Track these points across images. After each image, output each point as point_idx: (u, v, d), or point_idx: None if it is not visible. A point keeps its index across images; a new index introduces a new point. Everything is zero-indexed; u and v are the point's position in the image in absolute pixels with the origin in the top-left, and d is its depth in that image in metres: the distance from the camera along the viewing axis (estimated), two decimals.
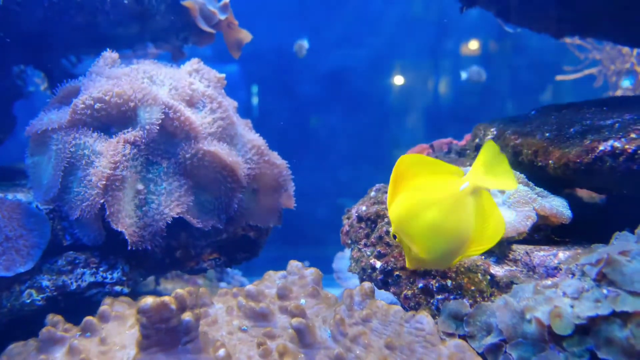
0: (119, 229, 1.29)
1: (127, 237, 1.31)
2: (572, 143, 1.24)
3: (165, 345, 0.90)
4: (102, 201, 1.27)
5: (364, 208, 1.47)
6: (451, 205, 0.95)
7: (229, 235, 1.61)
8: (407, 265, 1.04)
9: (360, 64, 4.52)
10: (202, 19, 2.00)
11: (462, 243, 0.97)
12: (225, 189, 1.48)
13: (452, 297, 1.13)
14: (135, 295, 1.38)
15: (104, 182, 1.27)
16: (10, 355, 1.13)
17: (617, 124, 1.22)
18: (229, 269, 2.71)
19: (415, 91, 4.59)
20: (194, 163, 1.42)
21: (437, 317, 1.11)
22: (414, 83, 4.57)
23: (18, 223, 1.31)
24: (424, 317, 1.04)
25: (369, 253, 1.36)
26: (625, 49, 3.29)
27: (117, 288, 1.39)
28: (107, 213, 1.28)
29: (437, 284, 1.15)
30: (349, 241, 1.51)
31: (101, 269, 1.38)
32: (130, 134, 1.35)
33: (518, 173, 1.34)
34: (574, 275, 1.00)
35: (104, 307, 1.18)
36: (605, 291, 0.88)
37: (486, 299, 1.10)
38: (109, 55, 1.56)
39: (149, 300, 0.86)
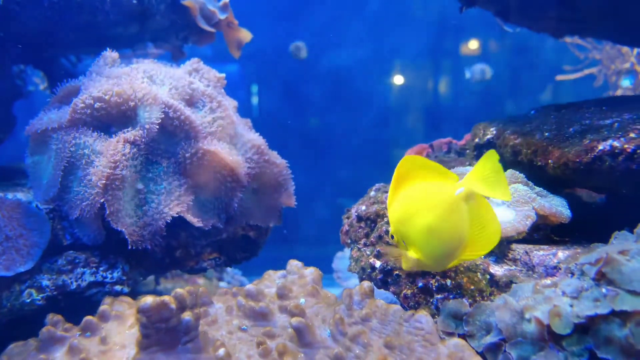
0: (119, 228, 1.30)
1: (127, 237, 1.31)
2: (571, 143, 1.24)
3: (165, 345, 0.90)
4: (102, 200, 1.27)
5: (363, 208, 1.47)
6: (447, 209, 0.97)
7: (229, 235, 1.61)
8: (403, 266, 1.05)
9: (360, 63, 4.52)
10: (202, 18, 2.00)
11: (457, 247, 0.98)
12: (225, 188, 1.48)
13: (451, 296, 1.13)
14: (135, 294, 1.38)
15: (104, 182, 1.27)
16: (11, 355, 1.13)
17: (616, 124, 1.22)
18: (228, 269, 2.71)
19: (415, 91, 4.59)
20: (194, 162, 1.42)
21: (436, 316, 1.11)
22: (414, 83, 4.57)
23: (18, 222, 1.31)
24: (423, 316, 1.04)
25: (368, 252, 1.36)
26: (625, 49, 3.29)
27: (117, 287, 1.39)
28: (107, 212, 1.28)
29: (436, 283, 1.15)
30: (349, 241, 1.51)
31: (101, 268, 1.38)
32: (130, 134, 1.35)
33: (517, 173, 1.34)
34: (573, 274, 1.01)
35: (104, 307, 1.18)
36: (604, 290, 0.88)
37: (485, 298, 1.10)
38: (109, 54, 1.57)
39: (148, 300, 0.87)
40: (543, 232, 1.26)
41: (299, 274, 1.23)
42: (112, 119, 1.40)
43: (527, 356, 0.91)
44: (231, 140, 1.53)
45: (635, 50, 3.26)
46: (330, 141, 4.58)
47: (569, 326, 0.87)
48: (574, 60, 3.53)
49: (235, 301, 1.14)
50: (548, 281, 1.02)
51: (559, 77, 3.53)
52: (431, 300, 1.15)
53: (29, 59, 2.09)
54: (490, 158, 0.95)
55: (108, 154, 1.30)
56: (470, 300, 1.10)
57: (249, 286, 1.16)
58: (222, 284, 2.61)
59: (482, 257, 1.16)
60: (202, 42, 2.17)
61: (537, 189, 1.29)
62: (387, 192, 1.57)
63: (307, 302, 1.14)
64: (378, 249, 1.33)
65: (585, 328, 0.87)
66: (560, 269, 1.09)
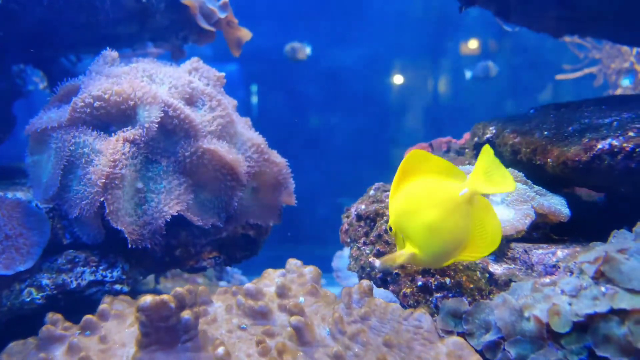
0: (119, 228, 1.30)
1: (126, 236, 1.31)
2: (570, 141, 1.24)
3: (164, 344, 0.90)
4: (101, 199, 1.28)
5: (363, 207, 1.48)
6: (449, 209, 0.96)
7: (229, 234, 1.61)
8: (399, 260, 1.04)
9: (360, 63, 4.52)
10: (202, 17, 2.00)
11: (456, 247, 0.98)
12: (225, 187, 1.48)
13: (450, 295, 1.13)
14: (135, 294, 1.38)
15: (104, 180, 1.27)
16: (10, 354, 1.13)
17: (615, 123, 1.23)
18: (228, 268, 2.71)
19: (415, 90, 4.59)
20: (194, 161, 1.42)
21: (435, 315, 1.11)
22: (414, 82, 4.57)
23: (18, 222, 1.31)
24: (422, 315, 1.04)
25: (368, 251, 1.36)
26: (625, 48, 3.29)
27: (117, 287, 1.39)
28: (107, 211, 1.28)
29: (435, 282, 1.15)
30: (348, 240, 1.51)
31: (101, 267, 1.38)
32: (130, 133, 1.35)
33: (516, 171, 1.34)
34: (572, 273, 1.01)
35: (103, 306, 1.18)
36: (603, 289, 0.88)
37: (485, 296, 1.11)
38: (109, 54, 1.57)
39: (148, 299, 0.87)
40: (542, 230, 1.26)
41: (298, 273, 1.23)
42: (111, 117, 1.40)
43: (526, 354, 0.91)
44: (231, 139, 1.53)
45: (635, 50, 3.26)
46: (329, 140, 4.58)
47: (568, 324, 0.87)
48: (574, 59, 3.53)
49: (235, 300, 1.14)
50: (547, 280, 1.02)
51: (559, 77, 3.53)
52: (430, 298, 1.15)
53: (29, 59, 2.09)
54: (487, 154, 0.95)
55: (107, 152, 1.30)
56: (469, 299, 1.10)
57: (249, 285, 1.16)
58: (221, 283, 2.61)
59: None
60: (202, 41, 2.17)
61: (536, 187, 1.29)
62: (386, 191, 1.57)
63: (306, 300, 1.14)
64: (377, 247, 1.33)
65: (584, 326, 0.87)
66: (559, 267, 1.09)
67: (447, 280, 1.14)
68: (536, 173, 1.33)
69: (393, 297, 1.26)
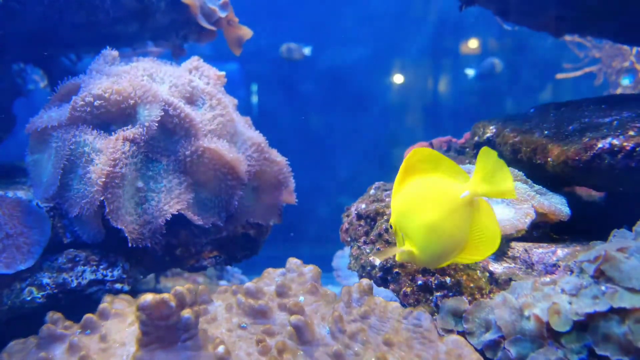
0: (119, 227, 1.30)
1: (126, 235, 1.31)
2: (570, 141, 1.24)
3: (164, 342, 0.91)
4: (101, 198, 1.27)
5: (363, 206, 1.48)
6: (449, 210, 0.96)
7: (229, 233, 1.61)
8: (397, 258, 1.04)
9: (360, 62, 4.52)
10: (202, 16, 1.99)
11: (454, 248, 0.98)
12: (225, 186, 1.48)
13: (451, 294, 1.13)
14: (135, 293, 1.38)
15: (104, 180, 1.27)
16: (11, 353, 1.13)
17: (615, 122, 1.23)
18: (229, 267, 2.71)
19: (415, 90, 4.59)
20: (194, 160, 1.42)
21: (436, 314, 1.11)
22: (414, 81, 4.57)
23: (18, 221, 1.31)
24: (422, 314, 1.04)
25: (368, 250, 1.37)
26: (625, 47, 3.29)
27: (118, 286, 1.39)
28: (107, 210, 1.28)
29: (436, 281, 1.15)
30: (349, 239, 1.51)
31: (101, 266, 1.38)
32: (130, 131, 1.35)
33: (517, 171, 1.34)
34: (572, 272, 1.01)
35: (103, 305, 1.18)
36: (603, 288, 0.88)
37: (485, 295, 1.11)
38: (109, 53, 1.57)
39: (148, 298, 0.87)
40: (542, 230, 1.26)
41: (298, 272, 1.23)
42: (112, 116, 1.40)
43: (526, 353, 0.91)
44: (231, 138, 1.53)
45: (635, 49, 3.26)
46: (330, 140, 4.58)
47: (568, 323, 0.87)
48: (574, 58, 3.53)
49: (235, 299, 1.15)
50: (547, 279, 1.02)
51: (559, 76, 3.53)
52: (431, 298, 1.15)
53: (29, 58, 2.09)
54: (487, 155, 0.94)
55: (108, 151, 1.30)
56: (469, 298, 1.10)
57: (249, 284, 1.16)
58: (222, 282, 2.61)
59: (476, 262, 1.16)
60: (203, 40, 2.17)
61: (537, 187, 1.29)
62: (387, 190, 1.57)
63: (306, 300, 1.14)
64: (378, 247, 1.34)
65: (584, 325, 0.87)
66: (559, 266, 1.09)
67: (447, 279, 1.15)
68: (536, 172, 1.33)
69: (393, 296, 1.26)
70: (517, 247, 1.18)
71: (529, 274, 1.13)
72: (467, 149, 1.91)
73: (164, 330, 0.89)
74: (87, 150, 1.33)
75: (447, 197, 0.97)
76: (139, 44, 2.21)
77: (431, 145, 2.18)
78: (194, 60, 1.65)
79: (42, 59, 2.11)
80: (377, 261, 1.30)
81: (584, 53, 3.44)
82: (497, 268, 1.15)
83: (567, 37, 3.32)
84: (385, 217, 1.39)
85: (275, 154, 1.64)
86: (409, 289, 1.19)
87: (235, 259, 1.69)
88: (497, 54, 4.33)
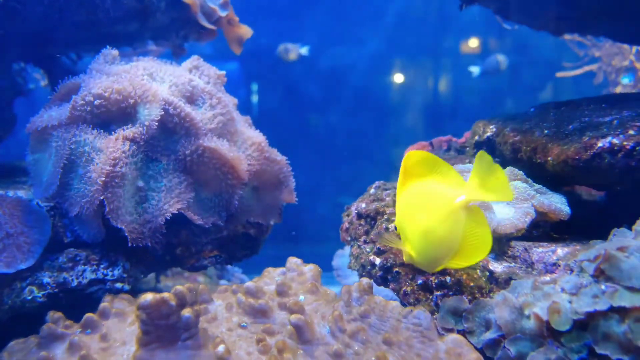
0: (119, 226, 1.30)
1: (127, 234, 1.31)
2: (570, 140, 1.24)
3: (165, 342, 0.91)
4: (101, 198, 1.28)
5: (363, 205, 1.48)
6: (444, 215, 0.97)
7: (230, 233, 1.61)
8: (404, 258, 1.07)
9: (360, 61, 4.52)
10: (202, 15, 1.99)
11: (448, 252, 0.99)
12: (225, 185, 1.48)
13: (451, 293, 1.13)
14: (135, 292, 1.38)
15: (104, 179, 1.27)
16: (12, 352, 1.13)
17: (615, 121, 1.23)
18: (229, 267, 2.71)
19: (415, 89, 4.59)
20: (194, 159, 1.42)
21: (436, 313, 1.11)
22: (414, 81, 4.57)
23: (19, 220, 1.31)
24: (422, 313, 1.04)
25: (368, 250, 1.37)
26: (625, 46, 3.29)
27: (118, 285, 1.39)
28: (107, 210, 1.28)
29: (436, 280, 1.15)
30: (349, 238, 1.51)
31: (102, 266, 1.38)
32: (130, 131, 1.35)
33: (517, 170, 1.34)
34: (572, 271, 1.01)
35: (104, 304, 1.19)
36: (603, 287, 0.88)
37: (485, 295, 1.11)
38: (109, 52, 1.57)
39: (148, 297, 0.87)
40: (542, 229, 1.26)
41: (298, 271, 1.23)
42: (112, 116, 1.40)
43: (526, 352, 0.91)
44: (231, 137, 1.53)
45: (635, 48, 3.26)
46: (330, 139, 4.58)
47: (568, 322, 0.87)
48: (574, 57, 3.53)
49: (235, 298, 1.15)
50: (547, 278, 1.02)
51: (559, 74, 3.53)
52: (431, 297, 1.15)
53: (30, 57, 2.09)
54: (483, 160, 0.94)
55: (108, 151, 1.30)
56: (469, 297, 1.10)
57: (249, 283, 1.16)
58: (222, 281, 2.61)
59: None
60: (203, 39, 2.17)
61: (537, 186, 1.29)
62: (387, 189, 1.58)
63: (306, 299, 1.14)
64: (378, 246, 1.34)
65: (584, 324, 0.87)
66: (559, 265, 1.09)
67: (448, 278, 1.15)
68: (536, 171, 1.33)
69: (393, 295, 1.26)
70: (517, 246, 1.18)
71: (529, 273, 1.13)
72: (467, 149, 1.91)
73: (164, 329, 0.90)
74: (87, 150, 1.33)
75: (442, 202, 0.98)
76: (139, 44, 2.21)
77: (431, 145, 2.18)
78: (194, 60, 1.65)
79: (43, 58, 2.11)
80: (378, 260, 1.30)
81: (584, 52, 3.44)
82: (497, 267, 1.15)
83: (567, 36, 3.32)
84: (385, 217, 1.39)
85: (275, 153, 1.64)
86: (409, 288, 1.19)
87: (236, 258, 1.69)
88: (497, 53, 4.33)
